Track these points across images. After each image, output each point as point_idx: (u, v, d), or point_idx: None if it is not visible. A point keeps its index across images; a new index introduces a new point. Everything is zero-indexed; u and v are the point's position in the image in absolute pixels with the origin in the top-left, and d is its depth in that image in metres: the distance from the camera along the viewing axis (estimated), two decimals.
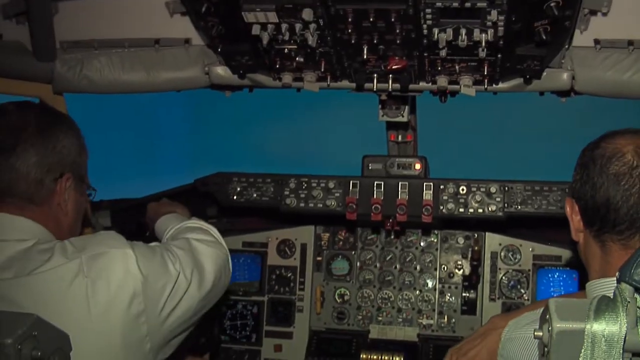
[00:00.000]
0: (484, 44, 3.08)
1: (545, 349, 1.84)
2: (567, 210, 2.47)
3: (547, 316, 1.83)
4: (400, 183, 4.35)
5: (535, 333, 1.88)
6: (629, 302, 1.76)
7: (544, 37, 3.02)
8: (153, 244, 2.85)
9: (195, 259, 2.83)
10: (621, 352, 1.74)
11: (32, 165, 2.62)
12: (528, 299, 4.77)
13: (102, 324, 2.44)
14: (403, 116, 4.14)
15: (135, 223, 4.06)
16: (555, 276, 4.75)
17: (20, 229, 2.60)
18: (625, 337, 1.74)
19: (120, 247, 2.55)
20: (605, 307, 1.78)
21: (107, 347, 2.47)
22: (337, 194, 4.46)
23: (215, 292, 2.93)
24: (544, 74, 3.53)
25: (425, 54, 3.39)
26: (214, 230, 3.17)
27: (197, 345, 3.91)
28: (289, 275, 5.08)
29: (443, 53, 3.29)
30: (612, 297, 1.81)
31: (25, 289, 2.40)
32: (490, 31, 3.03)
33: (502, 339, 2.47)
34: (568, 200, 2.47)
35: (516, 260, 4.82)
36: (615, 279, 2.21)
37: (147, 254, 2.62)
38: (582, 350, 1.77)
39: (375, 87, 3.67)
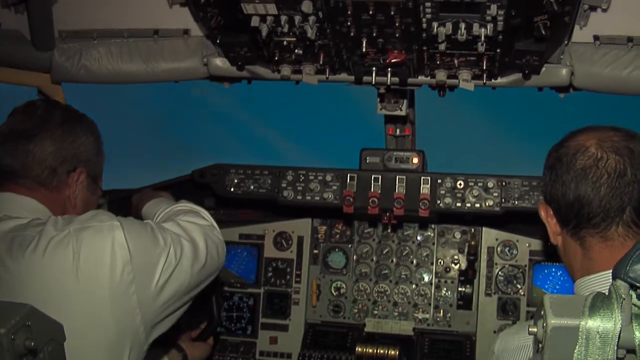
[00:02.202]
0: (483, 38, 3.07)
1: (540, 345, 1.84)
2: (542, 215, 2.50)
3: (542, 312, 1.84)
4: (397, 177, 4.35)
5: (530, 329, 1.88)
6: (624, 298, 1.76)
7: (544, 33, 3.02)
8: (145, 221, 2.91)
9: (187, 235, 2.88)
10: (615, 348, 1.74)
11: (48, 153, 2.80)
12: (524, 294, 4.78)
13: (90, 292, 2.50)
14: (401, 110, 4.13)
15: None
16: (552, 272, 4.76)
17: (22, 207, 2.73)
18: (619, 333, 1.74)
19: (108, 220, 2.63)
20: (600, 303, 1.78)
21: (96, 316, 2.53)
22: (335, 187, 4.45)
23: (208, 269, 2.97)
24: (543, 69, 3.53)
25: (425, 48, 3.38)
26: (204, 212, 3.19)
27: (200, 330, 3.91)
28: (285, 267, 5.09)
29: (442, 47, 3.29)
30: (607, 293, 1.82)
31: (18, 263, 2.47)
32: (490, 26, 3.02)
33: (495, 353, 2.46)
34: (541, 205, 2.50)
35: (512, 255, 4.83)
36: (600, 273, 2.24)
37: (136, 227, 2.69)
38: (577, 347, 1.77)
39: (374, 80, 3.66)
